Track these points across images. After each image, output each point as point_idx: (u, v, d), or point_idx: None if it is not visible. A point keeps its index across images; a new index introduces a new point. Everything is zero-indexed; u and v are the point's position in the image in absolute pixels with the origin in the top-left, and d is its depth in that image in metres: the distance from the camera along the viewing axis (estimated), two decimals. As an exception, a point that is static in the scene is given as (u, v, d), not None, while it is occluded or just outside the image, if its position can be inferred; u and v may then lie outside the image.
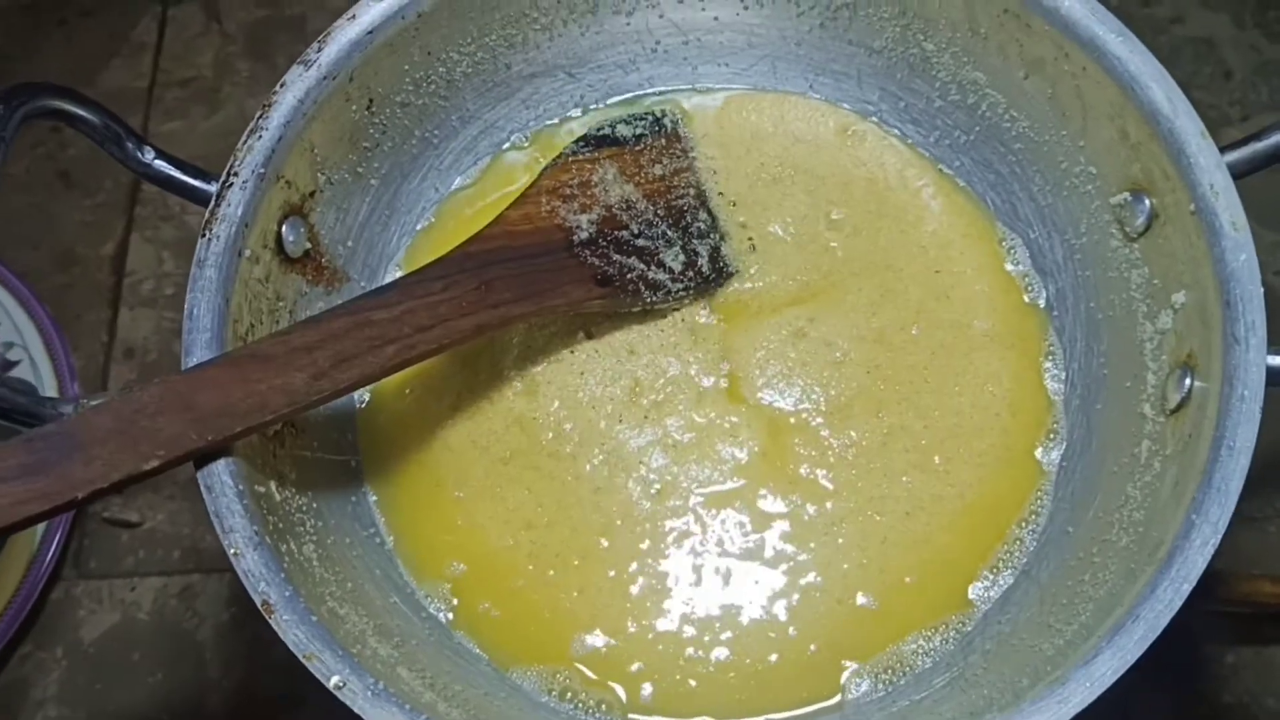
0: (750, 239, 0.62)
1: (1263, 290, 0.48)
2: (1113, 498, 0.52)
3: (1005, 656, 0.51)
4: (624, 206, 0.60)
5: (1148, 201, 0.53)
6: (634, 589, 0.55)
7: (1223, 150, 0.51)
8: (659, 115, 0.64)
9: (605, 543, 0.56)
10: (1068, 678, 0.43)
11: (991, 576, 0.56)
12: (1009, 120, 0.60)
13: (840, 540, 0.56)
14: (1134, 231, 0.54)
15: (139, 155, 0.54)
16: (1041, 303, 0.61)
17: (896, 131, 0.65)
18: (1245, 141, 0.51)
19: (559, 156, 0.61)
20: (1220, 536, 0.45)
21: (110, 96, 0.92)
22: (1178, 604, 0.44)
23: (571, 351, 0.60)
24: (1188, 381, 0.50)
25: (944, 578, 0.56)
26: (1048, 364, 0.60)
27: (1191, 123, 0.51)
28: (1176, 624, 0.44)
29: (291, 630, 0.45)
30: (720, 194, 0.63)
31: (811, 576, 0.56)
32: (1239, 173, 0.51)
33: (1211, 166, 0.50)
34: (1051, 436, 0.58)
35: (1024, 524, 0.57)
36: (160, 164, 0.54)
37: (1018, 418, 0.59)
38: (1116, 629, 0.44)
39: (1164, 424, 0.51)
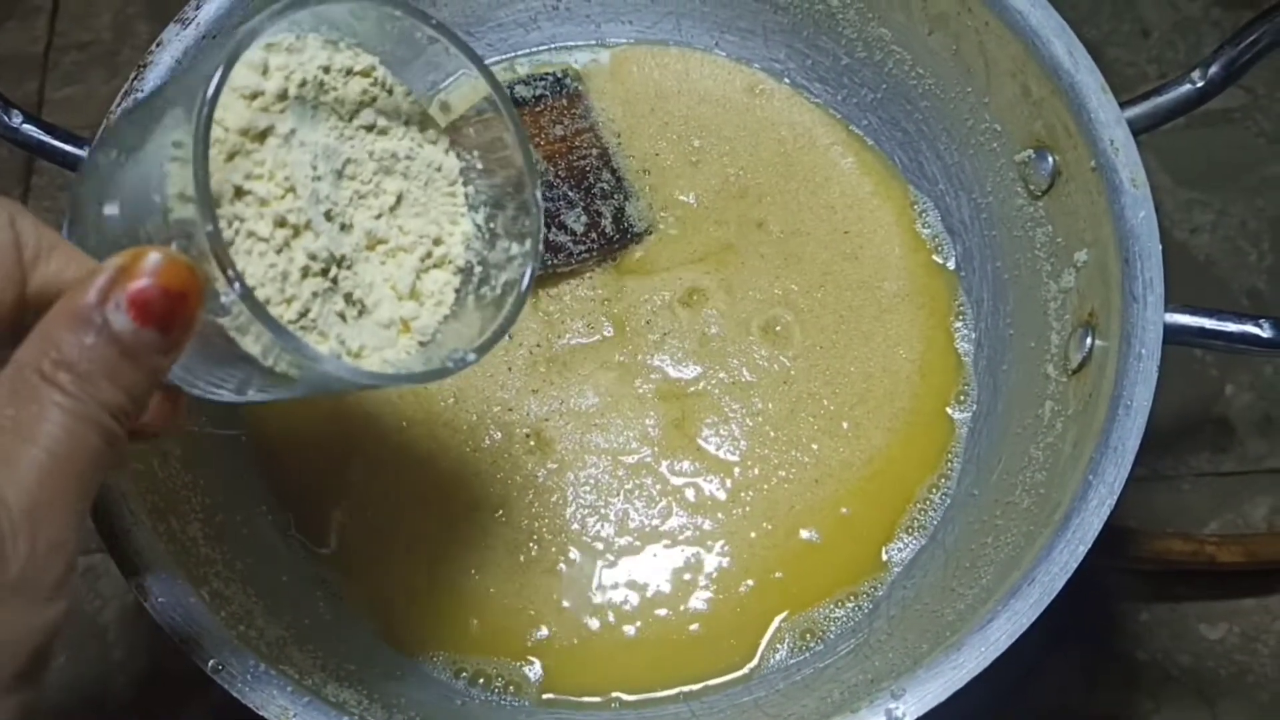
0: (655, 200, 0.61)
1: (1167, 248, 0.48)
2: (1016, 459, 0.52)
3: (909, 622, 0.51)
4: None
5: (1051, 159, 0.53)
6: (535, 567, 0.54)
7: (1123, 105, 0.50)
8: (560, 76, 0.62)
9: (503, 515, 0.54)
10: (963, 643, 0.43)
11: (903, 540, 0.55)
12: (915, 78, 0.59)
13: (747, 509, 0.55)
14: (1038, 189, 0.54)
15: (5, 119, 0.51)
16: (951, 264, 0.60)
17: (805, 90, 0.63)
18: (1145, 96, 0.51)
19: (453, 120, 0.59)
20: (1116, 497, 0.44)
21: (3, 62, 0.89)
22: (1073, 566, 0.43)
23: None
24: (1089, 341, 0.49)
25: (854, 544, 0.55)
26: (958, 324, 0.59)
27: (1092, 77, 0.50)
28: (1090, 582, 0.44)
29: (167, 614, 0.44)
30: (625, 155, 0.61)
31: (719, 547, 0.55)
32: (1140, 128, 0.50)
33: (1112, 122, 0.49)
34: (962, 399, 0.58)
35: (934, 487, 0.56)
36: (29, 128, 0.52)
37: (928, 380, 0.58)
38: (1012, 593, 0.43)
39: (1066, 384, 0.51)
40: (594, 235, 0.59)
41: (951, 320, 0.59)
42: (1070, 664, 0.69)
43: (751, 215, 0.60)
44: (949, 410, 0.58)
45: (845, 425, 0.57)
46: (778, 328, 0.58)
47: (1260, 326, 0.46)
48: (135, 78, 0.52)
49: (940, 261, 0.60)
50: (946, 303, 0.59)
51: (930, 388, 0.58)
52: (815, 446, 0.56)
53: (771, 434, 0.56)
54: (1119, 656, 0.69)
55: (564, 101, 0.61)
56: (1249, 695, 0.69)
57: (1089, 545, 0.44)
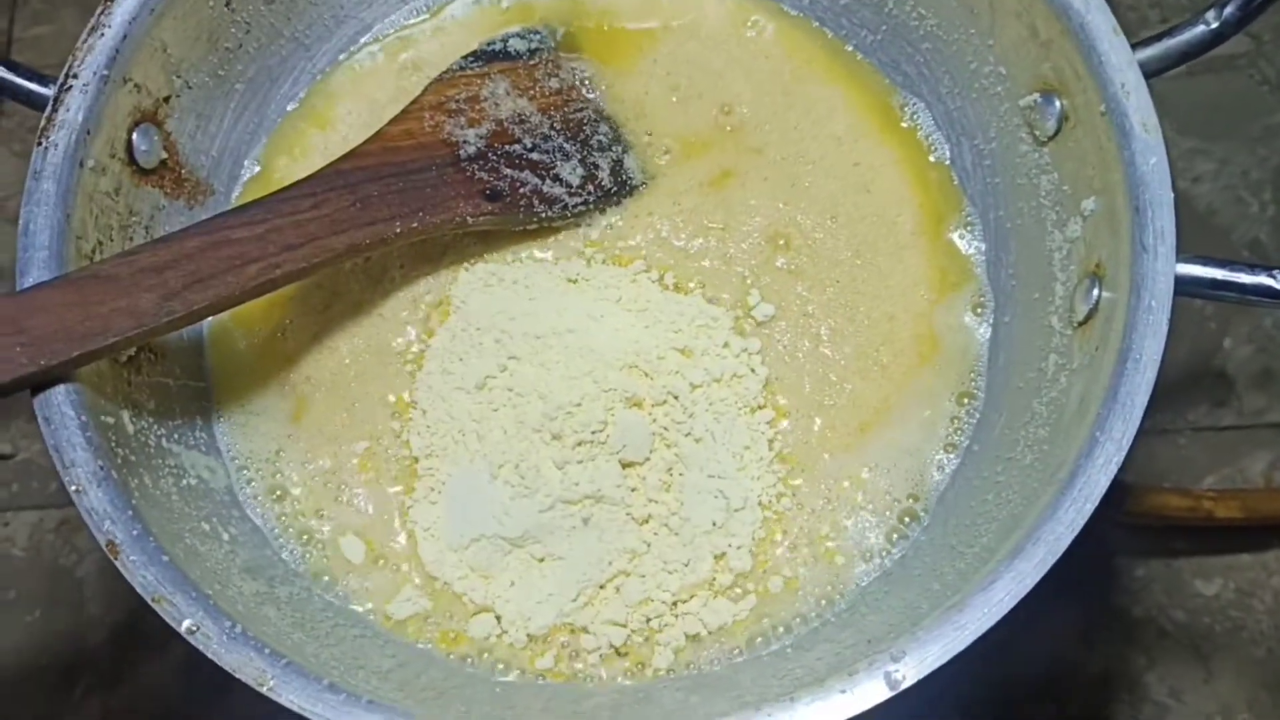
0: (648, 142, 0.58)
1: (1174, 197, 0.46)
2: (1018, 414, 0.50)
3: (906, 581, 0.49)
4: (516, 120, 0.57)
5: (1058, 103, 0.51)
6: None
7: (1134, 47, 0.48)
8: (555, 29, 0.60)
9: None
10: (965, 604, 0.41)
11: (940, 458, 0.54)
12: (917, 18, 0.57)
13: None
14: (1044, 135, 0.52)
15: (-34, 57, 0.49)
16: (954, 179, 0.58)
17: (801, 29, 0.61)
18: (1158, 38, 0.49)
19: (445, 71, 0.57)
20: (1124, 454, 0.43)
21: (-31, -1, 0.86)
22: (1079, 524, 0.42)
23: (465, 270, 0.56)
24: (1095, 292, 0.48)
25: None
26: (961, 232, 0.57)
27: (1103, 18, 0.48)
28: (1087, 538, 0.42)
29: (139, 572, 0.43)
30: (615, 99, 0.59)
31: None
32: (1151, 71, 0.48)
33: (1123, 64, 0.47)
34: (979, 310, 0.56)
35: (966, 397, 0.54)
36: (-10, 66, 0.49)
37: (945, 296, 0.56)
38: (1016, 552, 0.42)
39: (1071, 337, 0.49)
40: (590, 188, 0.57)
41: (956, 229, 0.57)
42: (1065, 619, 0.68)
43: (748, 142, 0.58)
44: (967, 322, 0.56)
45: (874, 366, 0.55)
46: (779, 262, 0.56)
47: (1275, 278, 0.44)
48: (103, 12, 0.49)
49: (945, 180, 0.58)
50: (958, 218, 0.57)
51: (952, 304, 0.56)
52: (849, 387, 0.54)
53: (804, 368, 0.55)
54: (1114, 612, 0.69)
55: (559, 54, 0.59)
56: (1243, 651, 0.68)
57: (1095, 503, 0.42)
